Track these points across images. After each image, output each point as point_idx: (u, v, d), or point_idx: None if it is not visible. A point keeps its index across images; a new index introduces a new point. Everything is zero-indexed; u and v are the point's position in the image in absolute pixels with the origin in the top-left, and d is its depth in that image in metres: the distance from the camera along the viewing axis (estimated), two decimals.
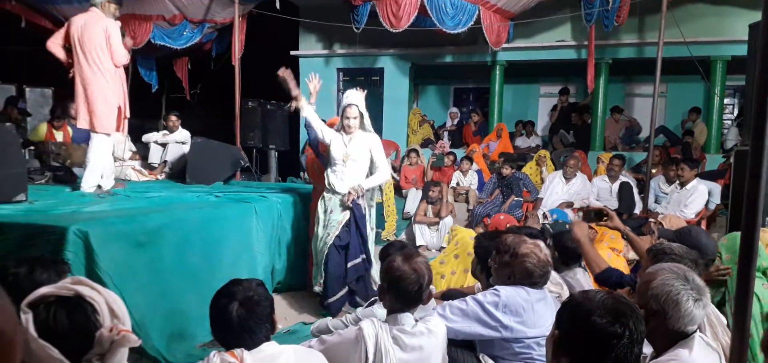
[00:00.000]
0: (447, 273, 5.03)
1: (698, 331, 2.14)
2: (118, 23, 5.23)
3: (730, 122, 11.57)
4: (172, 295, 3.96)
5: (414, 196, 9.22)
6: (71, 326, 1.38)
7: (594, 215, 3.99)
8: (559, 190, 8.25)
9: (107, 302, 1.44)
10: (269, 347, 2.03)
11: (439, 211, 8.32)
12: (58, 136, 7.72)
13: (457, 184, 9.45)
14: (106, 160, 5.41)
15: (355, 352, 2.37)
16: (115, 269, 3.52)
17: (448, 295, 3.59)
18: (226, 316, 2.01)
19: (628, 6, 9.26)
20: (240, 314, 2.01)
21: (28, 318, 1.36)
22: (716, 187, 7.78)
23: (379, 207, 8.63)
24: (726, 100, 11.15)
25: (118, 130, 5.36)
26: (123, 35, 5.24)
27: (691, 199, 7.12)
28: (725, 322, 2.71)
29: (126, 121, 5.41)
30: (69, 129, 8.00)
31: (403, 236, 8.51)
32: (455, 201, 9.10)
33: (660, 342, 2.11)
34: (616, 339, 1.58)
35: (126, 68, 5.44)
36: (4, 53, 10.47)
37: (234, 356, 1.94)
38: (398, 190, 9.57)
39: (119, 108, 5.25)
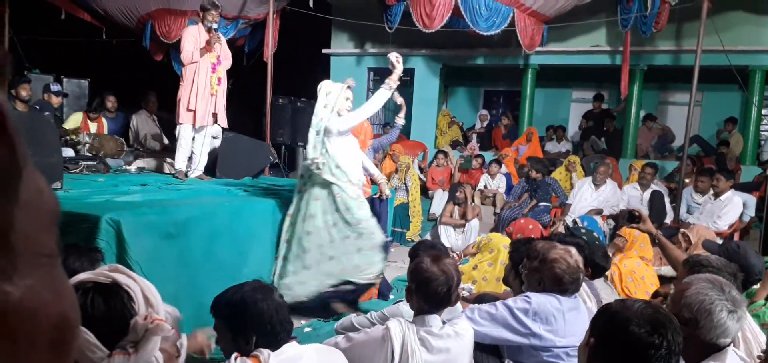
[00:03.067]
0: (479, 279, 5.00)
1: (732, 345, 2.09)
2: (216, 33, 5.91)
3: (767, 133, 11.30)
4: (199, 287, 4.00)
5: (440, 198, 9.17)
6: (108, 313, 1.39)
7: (627, 217, 3.94)
8: (588, 197, 8.14)
9: (142, 291, 1.45)
10: (291, 348, 2.01)
11: (465, 213, 8.27)
12: (93, 127, 7.86)
13: (485, 186, 9.38)
14: (186, 147, 6.12)
15: (381, 351, 2.36)
16: (145, 259, 3.56)
17: (482, 298, 3.56)
18: (260, 316, 1.96)
19: (667, 12, 9.10)
20: (272, 315, 1.98)
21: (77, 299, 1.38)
22: (751, 199, 7.61)
23: (405, 207, 8.62)
24: (763, 111, 10.89)
25: (178, 121, 6.02)
26: (215, 41, 5.91)
27: (725, 210, 6.97)
28: (763, 338, 2.64)
29: (189, 114, 5.96)
30: (104, 120, 8.15)
31: (428, 237, 8.48)
32: (482, 204, 9.03)
33: (692, 354, 2.06)
34: (653, 349, 1.56)
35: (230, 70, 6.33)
36: (44, 44, 10.71)
37: (256, 360, 1.91)
38: (424, 191, 9.54)
39: (186, 102, 5.91)
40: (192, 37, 5.84)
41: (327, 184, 4.54)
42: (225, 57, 6.13)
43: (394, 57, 4.54)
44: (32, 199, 0.52)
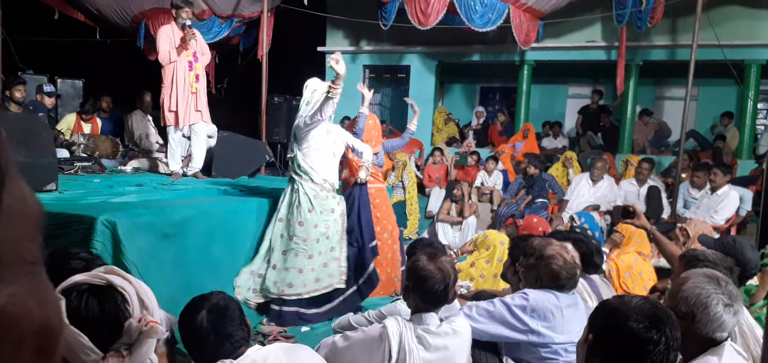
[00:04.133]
0: (476, 276, 4.99)
1: (729, 340, 2.09)
2: (190, 29, 5.85)
3: (763, 127, 11.32)
4: (196, 286, 3.95)
5: (437, 195, 9.18)
6: (102, 315, 1.38)
7: (621, 212, 3.94)
8: (586, 193, 8.15)
9: (138, 293, 1.44)
10: (255, 352, 1.96)
11: (462, 210, 8.27)
12: (86, 128, 7.83)
13: (482, 183, 9.38)
14: (176, 147, 6.14)
15: (379, 349, 2.36)
16: (141, 260, 3.55)
17: (480, 295, 3.56)
18: (197, 328, 1.92)
19: (662, 7, 9.11)
20: (211, 321, 1.92)
21: (61, 305, 1.37)
22: (748, 194, 7.63)
23: (402, 205, 8.62)
24: (759, 105, 10.91)
25: (163, 122, 6.04)
26: (189, 38, 5.84)
27: (722, 205, 6.98)
28: (760, 332, 2.63)
29: (171, 114, 5.95)
30: (98, 121, 8.12)
31: (425, 235, 8.47)
32: (479, 201, 9.04)
33: (689, 348, 2.05)
34: (652, 345, 1.56)
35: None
36: (37, 44, 10.67)
37: None
38: (421, 188, 9.54)
39: (167, 103, 5.94)
40: (166, 37, 5.82)
41: (292, 181, 4.56)
42: (202, 53, 6.10)
43: (334, 60, 4.25)
44: (15, 206, 0.51)
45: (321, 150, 4.53)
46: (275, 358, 1.97)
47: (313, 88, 4.50)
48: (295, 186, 4.51)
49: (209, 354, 1.93)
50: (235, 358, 1.92)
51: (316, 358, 2.17)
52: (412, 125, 6.01)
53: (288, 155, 4.66)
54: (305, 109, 4.46)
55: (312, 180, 4.47)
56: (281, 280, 4.44)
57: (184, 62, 5.86)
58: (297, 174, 4.50)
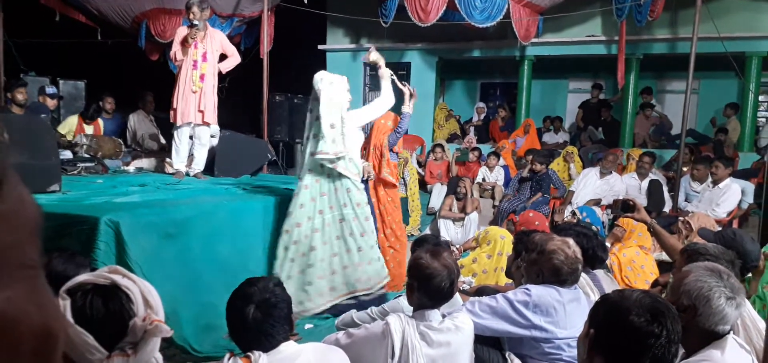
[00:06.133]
0: (479, 272, 5.00)
1: (731, 333, 2.09)
2: (194, 28, 5.80)
3: (764, 120, 11.30)
4: (200, 286, 4.00)
5: (439, 191, 9.19)
6: (107, 314, 1.40)
7: (621, 206, 3.94)
8: (592, 185, 8.16)
9: (142, 292, 1.46)
10: (287, 348, 2.01)
11: (464, 207, 8.27)
12: (89, 129, 7.84)
13: (484, 179, 9.38)
14: (181, 146, 6.13)
15: (382, 346, 2.37)
16: (145, 259, 3.57)
17: (482, 291, 3.57)
18: (243, 318, 1.98)
19: (662, 0, 9.10)
20: (256, 317, 1.97)
21: (66, 304, 1.39)
22: (749, 186, 7.61)
23: (404, 202, 8.62)
24: (760, 97, 10.88)
25: (172, 121, 6.06)
26: (195, 36, 5.82)
27: (724, 198, 6.97)
28: (762, 325, 2.63)
29: (173, 112, 6.01)
30: (100, 122, 8.13)
31: (427, 231, 8.48)
32: (481, 197, 9.05)
33: (692, 341, 2.06)
34: (653, 338, 1.56)
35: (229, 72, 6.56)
36: (39, 46, 10.67)
37: (248, 361, 1.93)
38: (423, 185, 9.55)
39: (172, 101, 6.01)
40: (178, 37, 5.92)
41: (336, 178, 4.42)
42: (224, 54, 6.14)
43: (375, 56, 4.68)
44: (13, 210, 0.51)
45: (357, 145, 4.62)
46: (305, 359, 2.01)
47: (331, 81, 4.40)
48: (345, 184, 4.42)
49: (247, 342, 2.00)
50: (266, 351, 1.96)
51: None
52: (407, 107, 5.87)
53: (335, 153, 4.32)
54: (335, 105, 4.32)
55: (359, 174, 4.53)
56: (351, 277, 4.48)
57: (189, 61, 5.88)
58: (347, 170, 4.41)
